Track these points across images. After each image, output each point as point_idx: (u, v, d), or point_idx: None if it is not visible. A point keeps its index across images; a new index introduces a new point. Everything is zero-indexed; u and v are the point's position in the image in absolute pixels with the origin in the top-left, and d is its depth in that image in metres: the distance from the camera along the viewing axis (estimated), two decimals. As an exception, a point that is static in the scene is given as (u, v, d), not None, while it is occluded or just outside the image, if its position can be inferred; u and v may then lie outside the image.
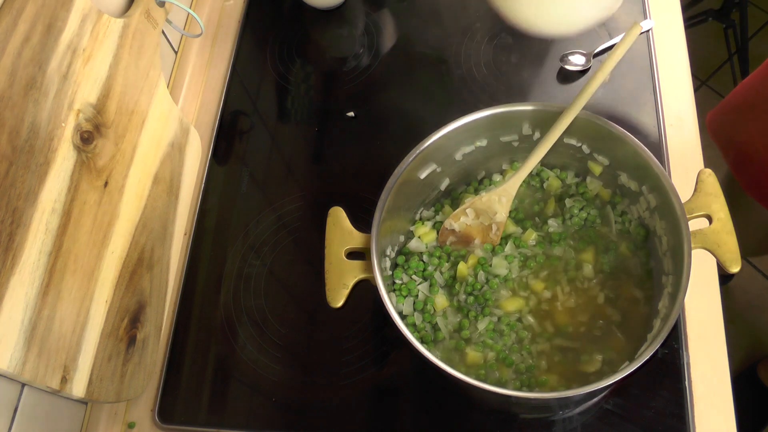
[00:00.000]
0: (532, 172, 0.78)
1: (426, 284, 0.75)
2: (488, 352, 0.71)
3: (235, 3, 1.11)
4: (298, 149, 0.97)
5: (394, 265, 0.77)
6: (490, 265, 0.75)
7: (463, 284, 0.75)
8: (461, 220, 0.76)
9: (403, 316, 0.73)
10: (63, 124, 0.64)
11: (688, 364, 0.75)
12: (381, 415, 0.77)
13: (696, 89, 1.95)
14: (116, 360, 0.72)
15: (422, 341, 0.72)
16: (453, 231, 0.77)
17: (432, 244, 0.78)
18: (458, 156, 0.78)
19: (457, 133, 0.75)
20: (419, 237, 0.78)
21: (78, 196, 0.66)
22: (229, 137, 0.98)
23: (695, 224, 0.67)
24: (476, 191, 0.81)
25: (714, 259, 0.72)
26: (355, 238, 0.70)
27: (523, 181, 0.77)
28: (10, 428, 0.62)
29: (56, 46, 0.64)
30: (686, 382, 0.73)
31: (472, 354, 0.71)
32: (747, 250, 1.16)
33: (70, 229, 0.65)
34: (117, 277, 0.73)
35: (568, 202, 0.78)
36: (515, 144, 0.78)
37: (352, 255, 0.70)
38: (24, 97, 0.59)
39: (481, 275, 0.74)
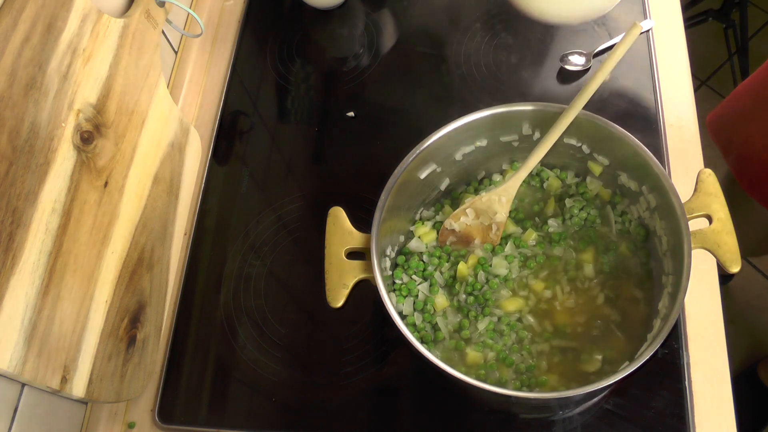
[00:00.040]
0: (532, 172, 0.78)
1: (426, 284, 0.75)
2: (488, 352, 0.71)
3: (235, 3, 1.11)
4: (298, 149, 0.97)
5: (394, 265, 0.77)
6: (490, 265, 0.75)
7: (463, 284, 0.75)
8: (461, 220, 0.76)
9: (403, 316, 0.73)
10: (63, 124, 0.65)
11: (688, 364, 0.75)
12: (381, 415, 0.77)
13: (696, 89, 1.95)
14: (116, 360, 0.72)
15: (422, 341, 0.72)
16: (453, 231, 0.77)
17: (432, 244, 0.78)
18: (458, 156, 0.78)
19: (457, 133, 0.75)
20: (419, 237, 0.78)
21: (78, 196, 0.66)
22: (229, 137, 0.98)
23: (695, 224, 0.67)
24: (476, 191, 0.81)
25: (714, 259, 0.72)
26: (355, 238, 0.70)
27: (523, 181, 0.77)
28: (10, 428, 0.62)
29: (56, 46, 0.64)
30: (686, 382, 0.73)
31: (472, 354, 0.71)
32: (747, 250, 1.16)
33: (70, 229, 0.65)
34: (117, 277, 0.73)
35: (568, 202, 0.79)
36: (515, 144, 0.78)
37: (352, 255, 0.70)
38: (24, 97, 0.59)
39: (481, 275, 0.74)
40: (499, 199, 0.75)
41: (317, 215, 0.83)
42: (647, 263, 0.74)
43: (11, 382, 0.61)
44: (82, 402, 0.77)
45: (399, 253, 0.78)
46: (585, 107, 0.72)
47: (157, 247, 0.82)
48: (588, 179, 0.79)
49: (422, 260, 0.77)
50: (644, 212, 0.74)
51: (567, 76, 0.96)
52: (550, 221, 0.78)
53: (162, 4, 0.84)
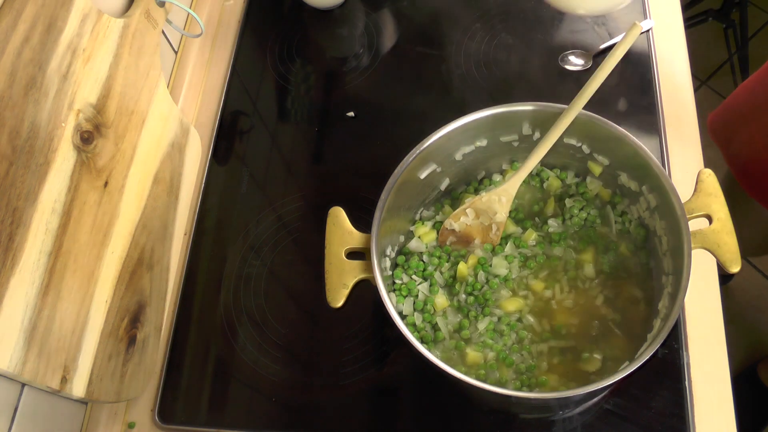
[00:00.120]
0: (532, 172, 0.78)
1: (426, 284, 0.75)
2: (488, 352, 0.71)
3: (235, 3, 1.11)
4: (298, 149, 0.97)
5: (394, 265, 0.77)
6: (490, 265, 0.75)
7: (463, 284, 0.75)
8: (461, 220, 0.76)
9: (403, 316, 0.73)
10: (63, 124, 0.65)
11: (688, 364, 0.75)
12: (381, 415, 0.77)
13: (696, 89, 1.95)
14: (116, 360, 0.72)
15: (422, 341, 0.72)
16: (453, 231, 0.77)
17: (432, 244, 0.78)
18: (458, 156, 0.78)
19: (457, 133, 0.75)
20: (419, 237, 0.78)
21: (78, 196, 0.66)
22: (229, 137, 0.98)
23: (695, 224, 0.67)
24: (476, 191, 0.81)
25: (714, 259, 0.72)
26: (355, 238, 0.70)
27: (523, 181, 0.77)
28: (10, 428, 0.62)
29: (56, 46, 0.64)
30: (686, 382, 0.73)
31: (472, 354, 0.71)
32: (747, 250, 1.16)
33: (70, 229, 0.65)
34: (117, 277, 0.73)
35: (568, 202, 0.79)
36: (515, 144, 0.78)
37: (352, 255, 0.70)
38: (24, 97, 0.59)
39: (481, 275, 0.74)
40: (499, 199, 0.75)
41: (317, 215, 0.83)
42: (647, 263, 0.74)
43: (11, 382, 0.61)
44: (82, 402, 0.77)
45: (399, 253, 0.78)
46: (585, 107, 0.72)
47: (157, 247, 0.82)
48: (588, 179, 0.79)
49: (422, 260, 0.77)
50: (644, 212, 0.74)
51: (567, 76, 0.96)
52: (550, 221, 0.78)
53: (162, 4, 0.84)
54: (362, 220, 0.72)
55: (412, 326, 0.73)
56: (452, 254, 0.77)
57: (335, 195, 0.90)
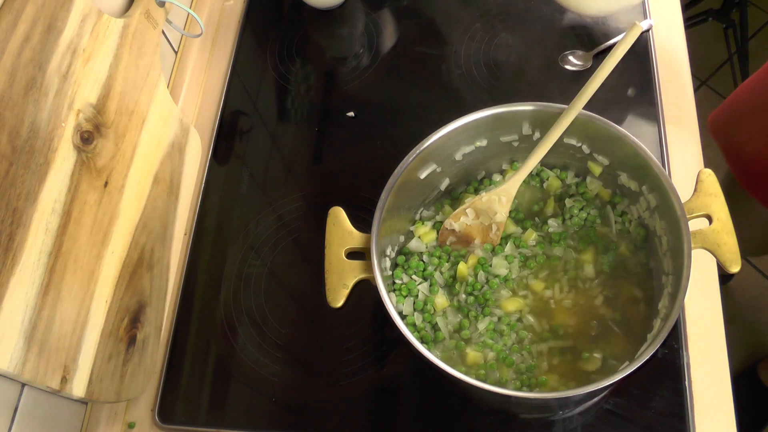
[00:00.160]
0: (532, 172, 0.78)
1: (426, 284, 0.75)
2: (488, 352, 0.71)
3: (235, 3, 1.11)
4: (298, 149, 0.97)
5: (394, 265, 0.77)
6: (490, 265, 0.75)
7: (463, 284, 0.75)
8: (461, 220, 0.76)
9: (403, 316, 0.73)
10: (63, 124, 0.65)
11: (688, 364, 0.75)
12: (381, 415, 0.77)
13: (696, 89, 1.95)
14: (116, 360, 0.72)
15: (422, 341, 0.72)
16: (453, 231, 0.77)
17: (432, 244, 0.78)
18: (458, 156, 0.78)
19: (457, 133, 0.75)
20: (419, 237, 0.78)
21: (78, 196, 0.66)
22: (229, 137, 0.98)
23: (695, 224, 0.67)
24: (476, 191, 0.81)
25: (714, 259, 0.72)
26: (355, 238, 0.70)
27: (523, 181, 0.77)
28: (10, 428, 0.62)
29: (56, 46, 0.64)
30: (686, 382, 0.73)
31: (472, 354, 0.71)
32: (747, 250, 1.16)
33: (70, 229, 0.65)
34: (117, 277, 0.73)
35: (568, 202, 0.79)
36: (515, 144, 0.78)
37: (352, 255, 0.70)
38: (24, 97, 0.59)
39: (481, 275, 0.74)
40: (499, 199, 0.75)
41: (317, 215, 0.83)
42: (647, 263, 0.74)
43: (11, 382, 0.61)
44: (82, 402, 0.77)
45: (399, 253, 0.78)
46: (585, 107, 0.72)
47: (157, 247, 0.82)
48: (588, 179, 0.79)
49: (422, 260, 0.77)
50: (644, 212, 0.74)
51: (567, 76, 0.96)
52: (550, 221, 0.78)
53: (162, 4, 0.84)
54: (362, 220, 0.72)
55: (412, 326, 0.73)
56: (452, 254, 0.77)
57: (335, 195, 0.90)
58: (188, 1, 1.04)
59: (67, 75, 0.65)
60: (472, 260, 0.76)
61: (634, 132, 0.71)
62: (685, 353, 0.75)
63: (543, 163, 0.79)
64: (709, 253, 0.66)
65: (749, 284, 1.66)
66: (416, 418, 0.76)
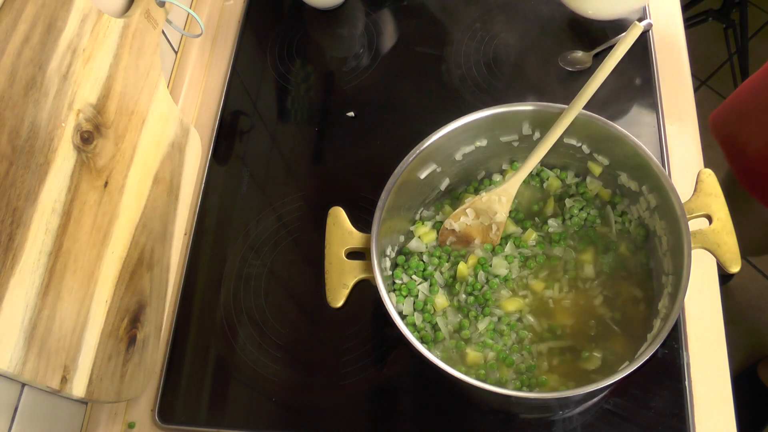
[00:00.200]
0: (532, 172, 0.78)
1: (426, 284, 0.75)
2: (488, 352, 0.71)
3: (235, 3, 1.11)
4: (298, 149, 0.97)
5: (394, 265, 0.77)
6: (490, 265, 0.75)
7: (463, 284, 0.75)
8: (461, 220, 0.76)
9: (403, 316, 0.73)
10: (63, 124, 0.65)
11: (688, 364, 0.75)
12: (381, 415, 0.77)
13: (696, 89, 1.95)
14: (116, 360, 0.72)
15: (422, 341, 0.72)
16: (453, 231, 0.77)
17: (432, 244, 0.78)
18: (458, 156, 0.78)
19: (457, 133, 0.75)
20: (419, 237, 0.78)
21: (78, 196, 0.66)
22: (229, 137, 0.98)
23: (695, 224, 0.67)
24: (476, 191, 0.81)
25: (714, 259, 0.72)
26: (355, 238, 0.70)
27: (523, 181, 0.77)
28: (10, 428, 0.62)
29: (56, 46, 0.64)
30: (686, 382, 0.73)
31: (472, 354, 0.71)
32: (747, 250, 1.16)
33: (70, 229, 0.65)
34: (117, 277, 0.73)
35: (568, 202, 0.79)
36: (515, 144, 0.78)
37: (352, 255, 0.70)
38: (24, 97, 0.59)
39: (481, 275, 0.74)
40: (499, 199, 0.75)
41: (317, 215, 0.83)
42: (647, 263, 0.74)
43: (11, 382, 0.61)
44: (82, 402, 0.77)
45: (399, 253, 0.78)
46: (585, 107, 0.72)
47: (157, 247, 0.82)
48: (588, 179, 0.79)
49: (422, 260, 0.77)
50: (644, 212, 0.74)
51: (567, 76, 0.96)
52: (550, 221, 0.78)
53: (162, 4, 0.84)
54: (362, 220, 0.72)
55: (412, 326, 0.73)
56: (452, 254, 0.77)
57: (335, 195, 0.90)
58: (188, 1, 1.04)
59: (67, 75, 0.65)
60: (472, 260, 0.76)
61: (634, 132, 0.71)
62: (685, 353, 0.75)
63: (543, 163, 0.79)
64: (709, 253, 0.66)
65: (749, 284, 1.66)
66: (416, 418, 0.76)
